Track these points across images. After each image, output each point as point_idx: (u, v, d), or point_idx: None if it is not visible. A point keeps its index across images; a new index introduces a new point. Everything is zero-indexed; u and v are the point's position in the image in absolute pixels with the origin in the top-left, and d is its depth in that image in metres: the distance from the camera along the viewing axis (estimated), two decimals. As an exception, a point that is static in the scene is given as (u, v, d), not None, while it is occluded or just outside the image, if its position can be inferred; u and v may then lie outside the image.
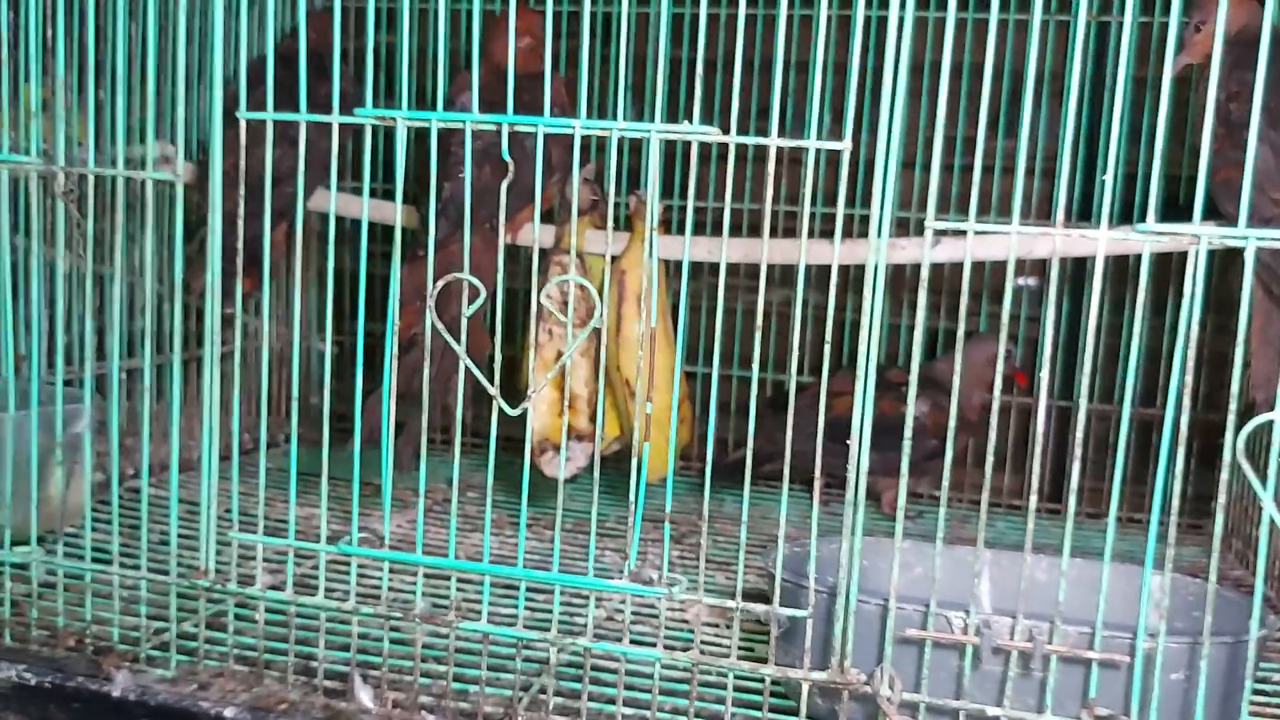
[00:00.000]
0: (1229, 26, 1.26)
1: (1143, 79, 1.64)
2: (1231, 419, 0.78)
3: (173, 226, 1.02)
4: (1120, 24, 0.84)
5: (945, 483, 0.86)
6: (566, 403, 1.44)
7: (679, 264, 1.50)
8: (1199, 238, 0.77)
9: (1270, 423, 0.76)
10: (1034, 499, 0.83)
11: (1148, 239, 0.78)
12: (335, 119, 0.92)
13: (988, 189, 1.77)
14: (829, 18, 0.84)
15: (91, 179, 1.02)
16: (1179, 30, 0.84)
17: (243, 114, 0.94)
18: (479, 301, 0.89)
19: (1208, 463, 1.37)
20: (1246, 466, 0.78)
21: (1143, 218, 0.79)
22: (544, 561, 1.09)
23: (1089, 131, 1.88)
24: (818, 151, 0.84)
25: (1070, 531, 0.84)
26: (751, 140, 0.85)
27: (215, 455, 1.00)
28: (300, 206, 0.98)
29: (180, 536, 1.02)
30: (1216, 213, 1.22)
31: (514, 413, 0.90)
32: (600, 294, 1.46)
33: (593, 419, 1.44)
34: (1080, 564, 1.03)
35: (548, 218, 1.48)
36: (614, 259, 1.46)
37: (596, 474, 0.92)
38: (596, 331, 1.45)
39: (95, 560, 1.06)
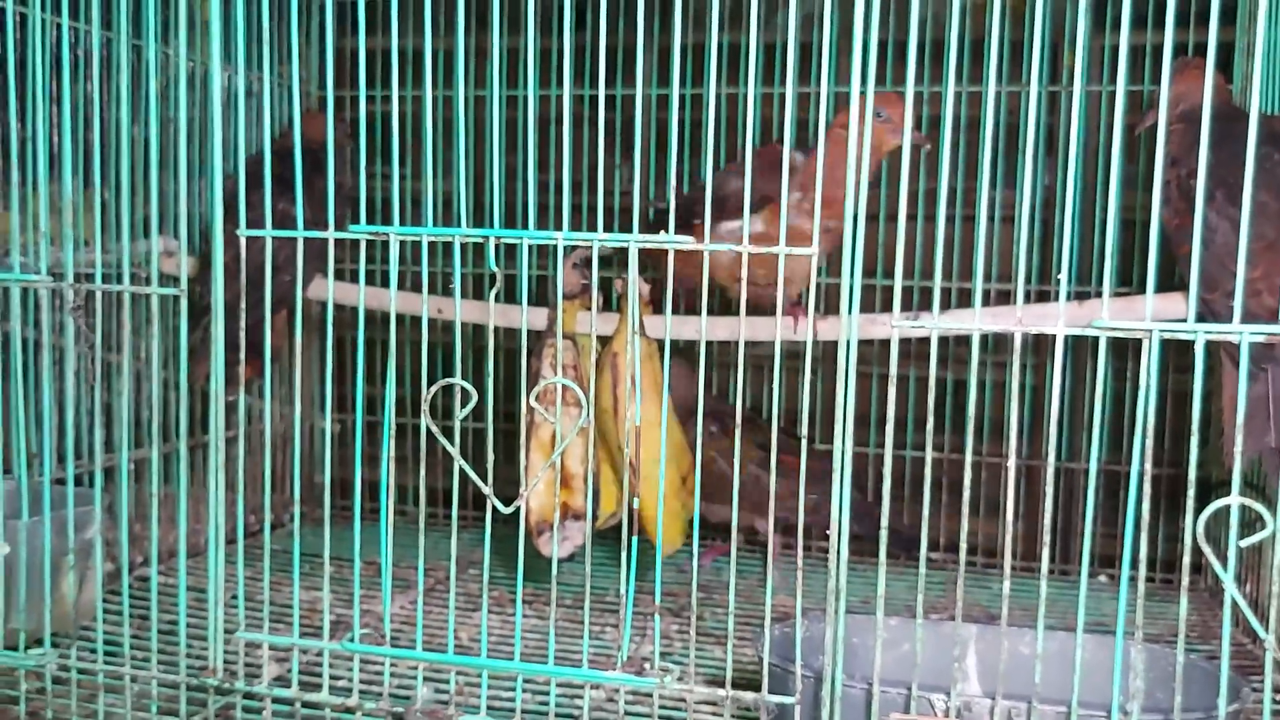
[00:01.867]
0: (1189, 101, 1.32)
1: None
2: (1190, 503, 0.82)
3: (177, 328, 1.06)
4: (1070, 93, 0.88)
5: (924, 549, 0.89)
6: (558, 483, 1.48)
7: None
8: (1151, 332, 0.81)
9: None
10: (1008, 563, 0.87)
11: (1103, 333, 0.82)
12: (331, 235, 0.96)
13: (951, 257, 1.83)
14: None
15: (99, 294, 1.06)
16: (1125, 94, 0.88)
17: (242, 232, 0.99)
18: (470, 405, 0.93)
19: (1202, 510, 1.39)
20: (1207, 549, 0.81)
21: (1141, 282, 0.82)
22: (544, 643, 1.12)
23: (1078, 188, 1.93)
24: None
25: (1044, 599, 0.87)
26: (724, 248, 0.90)
27: (221, 548, 1.03)
28: (299, 295, 1.02)
29: (190, 626, 1.06)
30: (1185, 283, 1.27)
31: (507, 510, 0.94)
32: (592, 376, 1.52)
33: (588, 498, 1.47)
34: (1063, 638, 1.07)
35: (540, 301, 1.53)
36: (606, 341, 1.50)
37: (589, 564, 0.95)
38: (595, 410, 1.50)
39: (107, 656, 1.09)
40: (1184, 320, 1.24)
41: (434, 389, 0.95)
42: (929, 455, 0.87)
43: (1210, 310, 1.19)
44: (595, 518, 1.52)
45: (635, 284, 0.92)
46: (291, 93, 1.07)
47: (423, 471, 1.00)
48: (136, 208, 1.30)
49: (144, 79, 1.14)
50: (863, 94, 0.86)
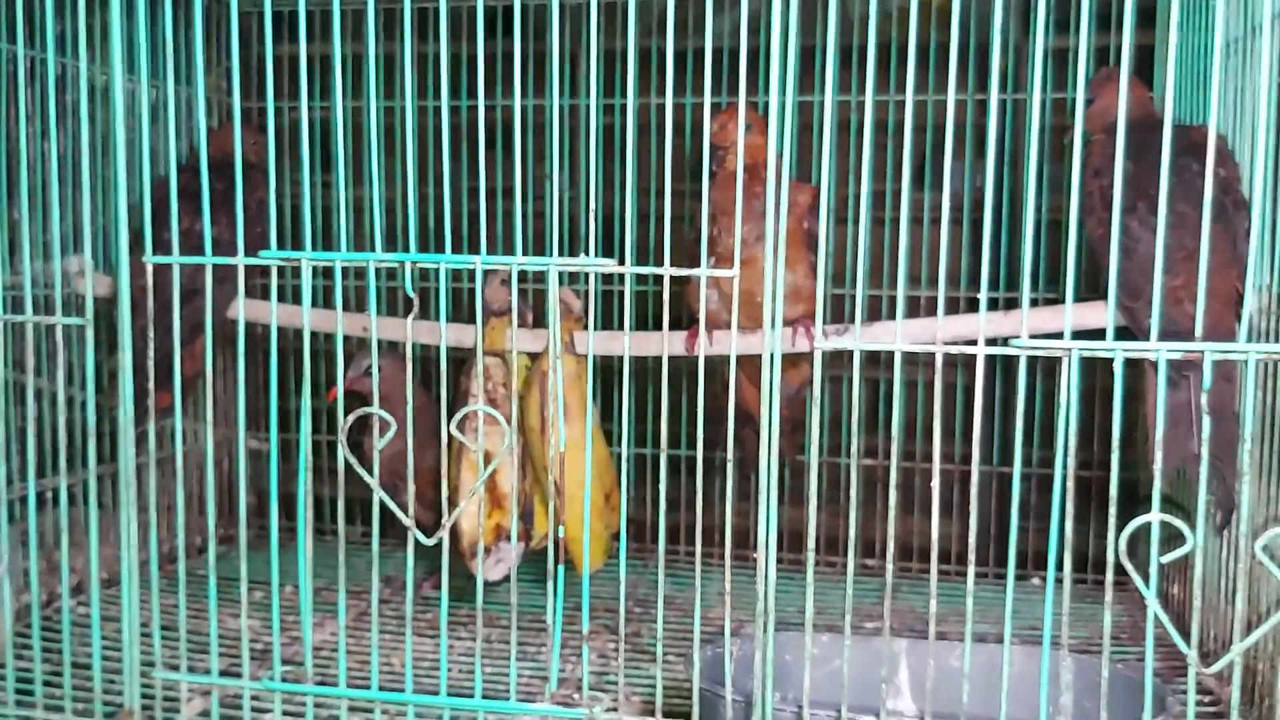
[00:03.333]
0: (1110, 114, 1.34)
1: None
2: (1112, 521, 0.82)
3: (84, 357, 1.02)
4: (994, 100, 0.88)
5: (851, 564, 0.88)
6: (490, 505, 1.46)
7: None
8: (1070, 351, 0.81)
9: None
10: (934, 573, 0.87)
11: (1023, 353, 0.82)
12: (240, 260, 0.94)
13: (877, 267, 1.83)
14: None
15: (2, 325, 1.02)
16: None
17: (149, 259, 0.96)
18: (389, 435, 0.91)
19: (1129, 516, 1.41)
20: (1129, 566, 0.82)
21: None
22: (470, 665, 1.11)
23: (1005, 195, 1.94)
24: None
25: (970, 613, 0.87)
26: (647, 270, 0.89)
27: (134, 583, 1.00)
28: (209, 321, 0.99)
29: (109, 661, 1.02)
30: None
31: (429, 542, 0.92)
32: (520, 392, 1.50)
33: (522, 517, 1.45)
34: (994, 650, 1.07)
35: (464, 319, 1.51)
36: (535, 358, 1.48)
37: (514, 593, 0.93)
38: (523, 430, 1.48)
39: (19, 697, 1.05)
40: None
41: (351, 418, 0.92)
42: (854, 461, 0.86)
43: (1134, 318, 1.20)
44: (529, 538, 1.50)
45: (556, 307, 0.90)
46: (203, 105, 1.04)
47: (340, 489, 0.97)
48: (46, 228, 1.26)
49: (48, 93, 1.10)
50: (780, 103, 0.85)
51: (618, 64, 0.92)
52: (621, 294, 0.92)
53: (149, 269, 0.96)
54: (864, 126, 0.89)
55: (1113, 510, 0.82)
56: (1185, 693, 0.85)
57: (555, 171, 0.89)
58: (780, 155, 0.88)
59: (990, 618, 1.61)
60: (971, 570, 0.87)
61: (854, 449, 0.86)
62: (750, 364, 1.35)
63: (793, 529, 1.24)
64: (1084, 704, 1.03)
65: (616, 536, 1.71)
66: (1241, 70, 1.33)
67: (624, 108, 1.76)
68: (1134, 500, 1.57)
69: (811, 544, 0.88)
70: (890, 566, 0.89)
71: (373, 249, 0.91)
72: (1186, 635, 0.85)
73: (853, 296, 1.82)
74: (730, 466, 0.92)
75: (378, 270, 0.92)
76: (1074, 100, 1.74)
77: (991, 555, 1.86)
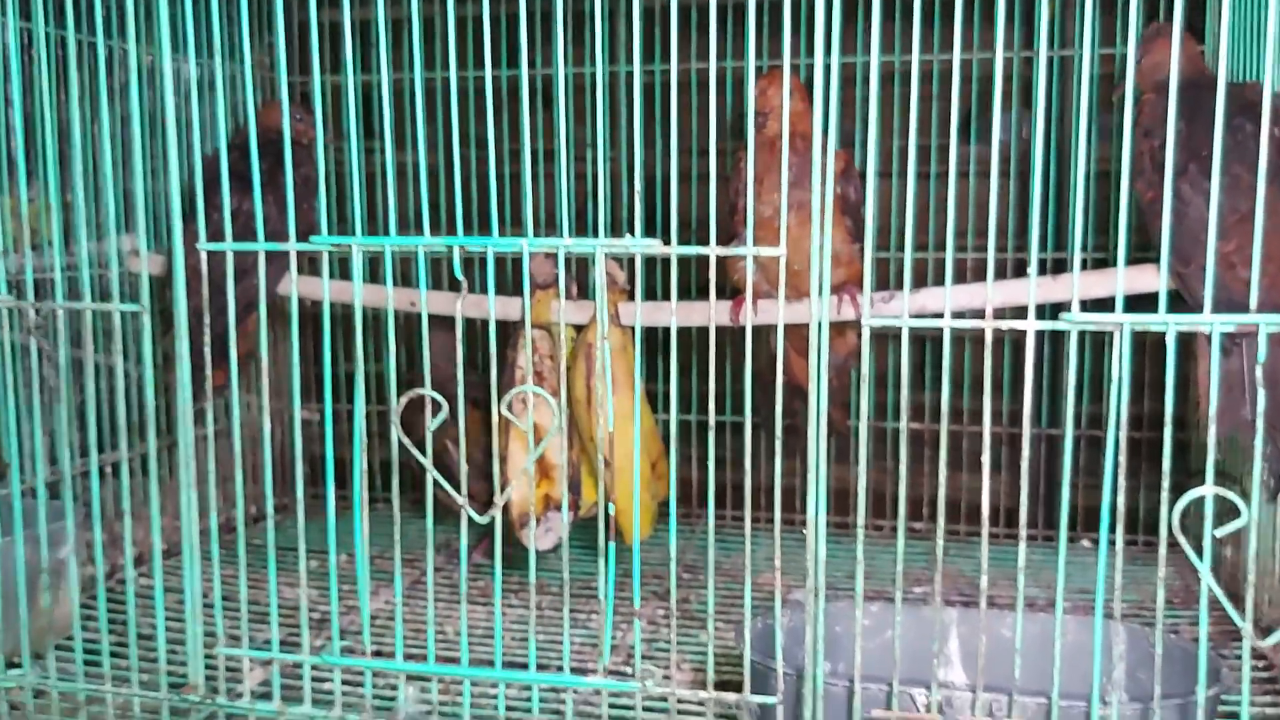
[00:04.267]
0: (1160, 71, 1.31)
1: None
2: (1165, 495, 0.82)
3: (139, 342, 1.04)
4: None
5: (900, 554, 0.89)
6: (538, 474, 1.47)
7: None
8: (1121, 325, 0.80)
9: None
10: (985, 540, 0.87)
11: (1074, 328, 0.82)
12: (293, 247, 0.95)
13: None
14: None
15: (61, 313, 1.04)
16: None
17: (203, 245, 0.97)
18: (441, 416, 0.92)
19: (1181, 477, 1.38)
20: (1183, 540, 0.81)
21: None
22: (525, 633, 1.13)
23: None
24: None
25: (1022, 587, 0.87)
26: (692, 251, 0.89)
27: (196, 560, 1.03)
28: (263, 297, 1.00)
29: (171, 635, 1.05)
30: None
31: (482, 520, 0.93)
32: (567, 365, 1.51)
33: (570, 488, 1.47)
34: (1045, 620, 1.07)
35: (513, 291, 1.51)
36: (581, 330, 1.48)
37: (566, 566, 0.95)
38: (571, 401, 1.49)
39: (87, 669, 1.08)
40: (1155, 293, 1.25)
41: (404, 400, 0.93)
42: (903, 426, 0.87)
43: (1185, 285, 1.18)
44: (577, 508, 1.52)
45: (603, 289, 0.90)
46: (249, 81, 1.04)
47: (394, 459, 0.98)
48: (100, 209, 1.28)
49: (99, 75, 1.11)
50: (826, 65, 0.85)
51: (657, 23, 0.91)
52: (666, 260, 0.92)
53: (203, 253, 0.98)
54: (910, 84, 0.87)
55: (1165, 484, 0.81)
56: (1240, 659, 0.84)
57: (599, 140, 0.89)
58: (826, 127, 0.87)
59: (1040, 581, 1.61)
60: (1023, 546, 0.87)
61: (903, 418, 0.86)
62: (796, 334, 1.35)
63: (839, 488, 1.24)
64: (1138, 675, 1.03)
65: (664, 504, 1.73)
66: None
67: (665, 73, 1.75)
68: (1185, 460, 1.55)
69: (861, 518, 0.89)
70: (941, 533, 0.89)
71: (420, 230, 0.92)
72: (1239, 602, 0.84)
73: (899, 259, 1.82)
74: (777, 435, 0.92)
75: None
76: (1123, 55, 1.71)
77: (1041, 517, 1.86)
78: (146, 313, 1.02)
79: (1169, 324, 0.80)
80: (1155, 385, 1.58)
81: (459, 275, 0.91)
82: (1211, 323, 0.80)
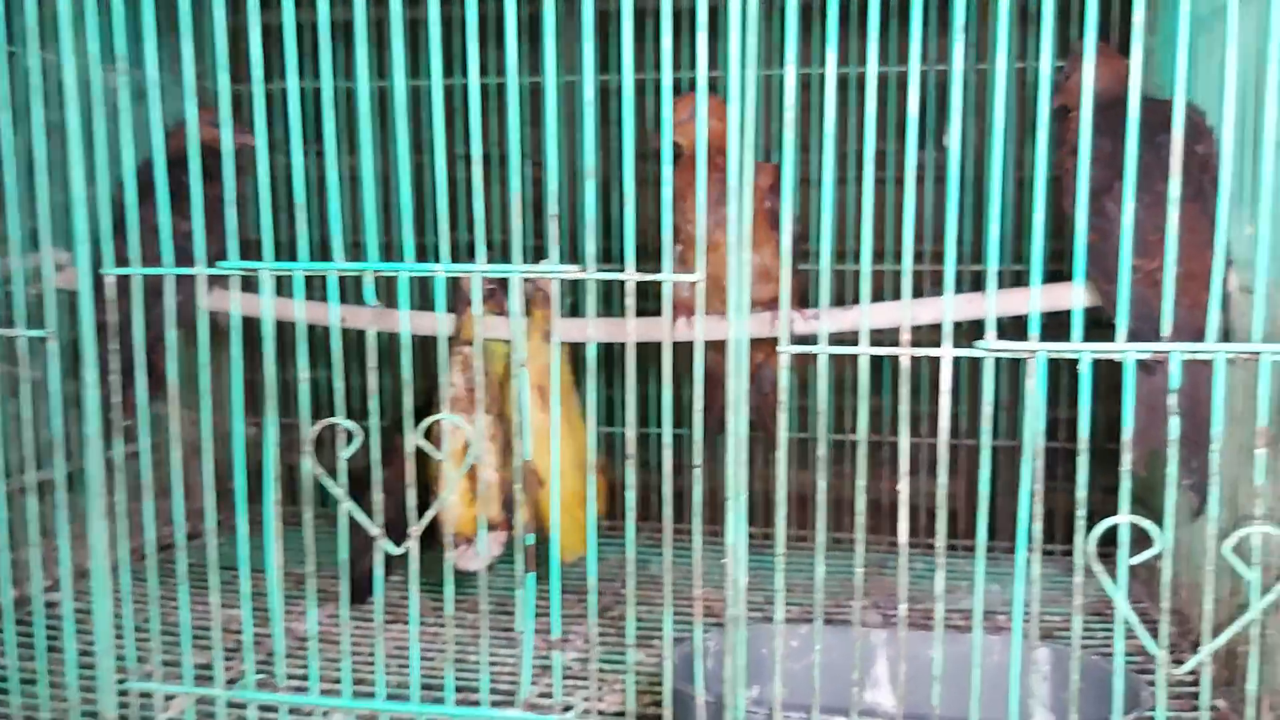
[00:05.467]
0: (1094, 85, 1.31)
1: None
2: (1080, 523, 0.82)
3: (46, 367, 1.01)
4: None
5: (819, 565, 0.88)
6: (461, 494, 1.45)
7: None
8: (1036, 353, 0.80)
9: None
10: (904, 560, 0.86)
11: (989, 355, 0.81)
12: (201, 271, 0.93)
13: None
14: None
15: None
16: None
17: (107, 270, 0.95)
18: (354, 445, 0.90)
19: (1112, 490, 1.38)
20: (1098, 567, 0.81)
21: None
22: (463, 655, 1.11)
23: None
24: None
25: (941, 615, 0.87)
26: (608, 276, 0.87)
27: (108, 593, 1.00)
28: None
29: (84, 665, 1.02)
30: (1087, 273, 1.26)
31: (397, 551, 0.92)
32: (501, 381, 1.50)
33: (504, 506, 1.45)
34: (968, 640, 1.07)
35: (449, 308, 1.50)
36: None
37: (484, 599, 0.93)
38: (504, 417, 1.47)
39: (-1, 701, 1.06)
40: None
41: (316, 428, 0.92)
42: (822, 441, 0.86)
43: (1110, 302, 1.18)
44: (510, 528, 1.50)
45: (518, 317, 0.89)
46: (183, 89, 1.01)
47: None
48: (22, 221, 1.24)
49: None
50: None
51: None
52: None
53: (106, 278, 0.95)
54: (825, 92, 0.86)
55: (1080, 513, 0.81)
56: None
57: (516, 176, 0.87)
58: (742, 139, 0.86)
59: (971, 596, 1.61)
60: (941, 575, 0.87)
61: (821, 444, 0.85)
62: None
63: (796, 498, 1.23)
64: (1061, 694, 1.03)
65: (600, 519, 1.71)
66: (1225, 40, 1.31)
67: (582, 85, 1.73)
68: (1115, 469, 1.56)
69: (780, 544, 0.88)
70: (860, 558, 0.89)
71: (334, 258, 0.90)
72: (1178, 616, 0.84)
73: (852, 273, 1.82)
74: (696, 457, 0.91)
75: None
76: (1037, 70, 1.72)
77: (961, 530, 1.85)
78: (55, 339, 0.99)
79: (1084, 353, 0.80)
80: (1101, 399, 1.59)
81: (369, 301, 0.90)
82: (1126, 350, 0.80)
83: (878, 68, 0.85)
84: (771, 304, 1.34)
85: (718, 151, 1.16)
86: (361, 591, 1.48)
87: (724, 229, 1.13)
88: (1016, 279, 1.79)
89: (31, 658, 1.07)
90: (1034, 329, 0.82)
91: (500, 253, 1.66)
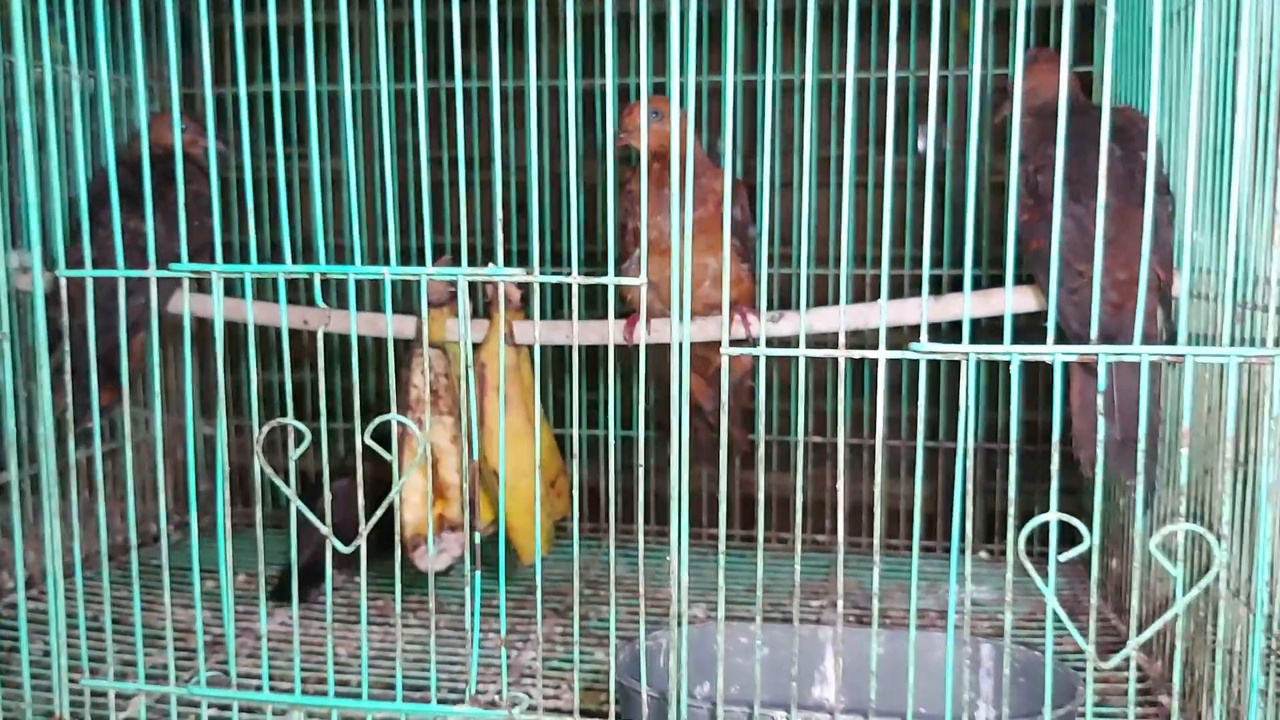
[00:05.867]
0: (1039, 95, 1.33)
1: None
2: (1011, 521, 0.83)
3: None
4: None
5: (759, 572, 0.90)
6: (432, 494, 1.47)
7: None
8: (968, 355, 0.82)
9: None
10: (840, 560, 0.88)
11: (922, 357, 0.83)
12: (153, 274, 0.94)
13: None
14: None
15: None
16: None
17: (61, 273, 0.96)
18: (303, 446, 0.91)
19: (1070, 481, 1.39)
20: (1028, 564, 0.83)
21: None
22: (420, 657, 1.13)
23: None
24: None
25: (876, 612, 0.88)
26: (552, 279, 0.89)
27: (60, 594, 1.01)
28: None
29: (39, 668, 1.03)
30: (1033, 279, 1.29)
31: (346, 550, 0.93)
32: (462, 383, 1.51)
33: (464, 508, 1.46)
34: (920, 637, 1.08)
35: (406, 310, 1.51)
36: (477, 348, 1.48)
37: (432, 598, 0.94)
38: (463, 419, 1.49)
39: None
40: (1035, 313, 1.27)
41: (265, 429, 0.93)
42: (800, 440, 0.88)
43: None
44: (473, 528, 1.51)
45: (465, 319, 0.90)
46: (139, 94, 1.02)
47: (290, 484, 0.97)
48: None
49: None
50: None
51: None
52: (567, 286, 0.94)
53: (61, 280, 0.96)
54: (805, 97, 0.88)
55: (1012, 512, 0.83)
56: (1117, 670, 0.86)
57: (463, 178, 0.89)
58: (684, 146, 0.88)
59: (935, 593, 1.64)
60: (877, 572, 0.89)
61: (760, 445, 0.87)
62: (691, 353, 1.36)
63: (745, 494, 1.25)
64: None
65: (561, 522, 1.73)
66: (1180, 48, 1.33)
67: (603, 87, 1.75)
68: (1071, 474, 1.58)
69: (722, 542, 0.89)
70: (798, 557, 0.90)
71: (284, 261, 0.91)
72: (1124, 614, 0.86)
73: (798, 276, 1.84)
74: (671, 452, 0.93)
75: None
76: (999, 78, 1.74)
77: (940, 530, 1.88)
78: (6, 339, 1.00)
79: (1013, 355, 0.82)
80: (1045, 398, 1.61)
81: (320, 303, 0.91)
82: (1054, 353, 0.82)
83: (855, 73, 0.87)
84: (733, 309, 1.36)
85: (668, 156, 1.18)
86: (305, 589, 1.50)
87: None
88: (994, 282, 1.81)
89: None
90: (966, 335, 0.84)
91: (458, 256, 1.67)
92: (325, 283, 0.92)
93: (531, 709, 0.92)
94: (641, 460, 0.90)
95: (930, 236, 0.83)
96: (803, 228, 1.58)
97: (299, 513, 0.93)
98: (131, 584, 0.99)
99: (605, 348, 0.91)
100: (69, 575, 1.46)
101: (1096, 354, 0.82)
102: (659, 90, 1.68)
